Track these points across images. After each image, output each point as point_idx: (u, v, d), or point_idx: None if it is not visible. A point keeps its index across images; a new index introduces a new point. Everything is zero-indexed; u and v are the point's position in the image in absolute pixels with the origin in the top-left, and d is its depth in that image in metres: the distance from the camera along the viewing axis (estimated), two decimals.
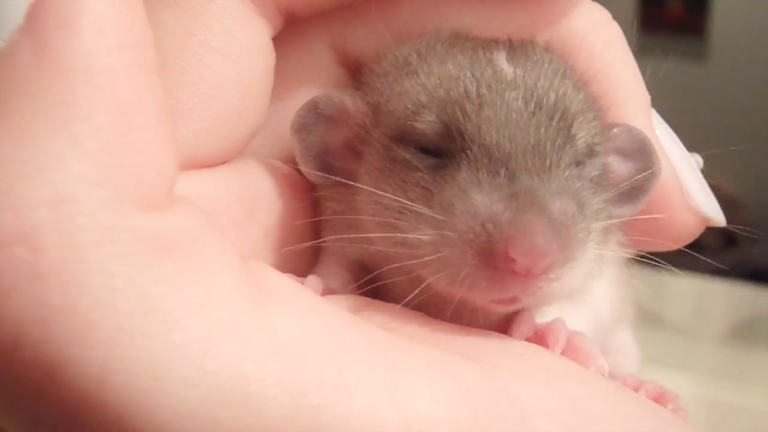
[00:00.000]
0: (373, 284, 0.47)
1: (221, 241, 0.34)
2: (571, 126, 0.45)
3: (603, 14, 0.50)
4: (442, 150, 0.45)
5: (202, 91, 0.43)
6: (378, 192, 0.45)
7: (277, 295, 0.34)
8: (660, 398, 0.52)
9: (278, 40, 0.47)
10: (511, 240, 0.40)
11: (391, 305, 0.43)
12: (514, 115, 0.44)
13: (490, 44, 0.48)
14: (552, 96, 0.46)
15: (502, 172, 0.43)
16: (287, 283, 0.36)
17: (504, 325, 0.45)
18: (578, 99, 0.47)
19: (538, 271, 0.40)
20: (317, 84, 0.51)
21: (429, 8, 0.49)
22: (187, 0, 0.44)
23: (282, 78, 0.48)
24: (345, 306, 0.41)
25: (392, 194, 0.45)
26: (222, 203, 0.44)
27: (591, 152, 0.46)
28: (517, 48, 0.48)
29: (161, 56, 0.36)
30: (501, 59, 0.47)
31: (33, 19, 0.32)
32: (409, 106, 0.46)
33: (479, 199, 0.42)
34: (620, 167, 0.49)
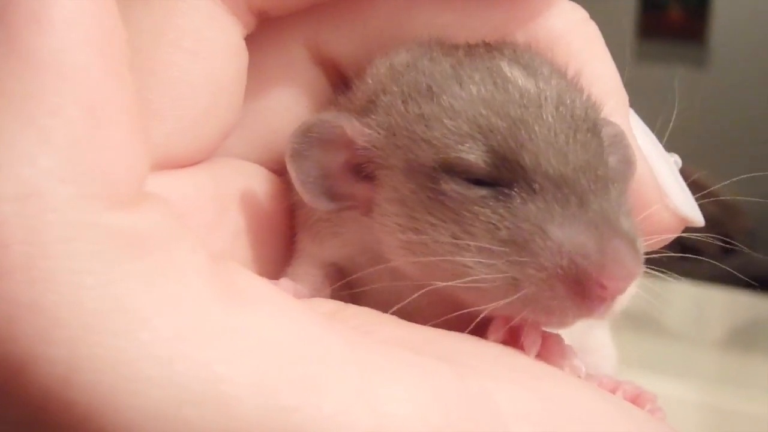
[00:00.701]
0: (351, 288, 0.47)
1: (192, 241, 0.34)
2: (602, 136, 0.46)
3: (580, 14, 0.50)
4: (495, 180, 0.44)
5: (173, 91, 0.43)
6: (419, 223, 0.45)
7: (248, 296, 0.34)
8: (637, 399, 0.51)
9: (252, 40, 0.47)
10: (606, 269, 0.41)
11: (366, 309, 0.43)
12: (562, 136, 0.44)
13: (490, 55, 0.47)
14: (580, 107, 0.46)
15: (572, 200, 0.43)
16: (258, 283, 0.36)
17: (481, 328, 0.44)
18: (593, 103, 0.47)
19: (623, 291, 0.42)
20: (292, 83, 0.50)
21: (405, 8, 0.49)
22: (157, 0, 0.43)
23: (257, 77, 0.48)
24: (320, 309, 0.40)
25: (443, 227, 0.44)
26: (193, 203, 0.44)
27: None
28: (515, 55, 0.48)
29: (132, 57, 0.35)
30: (516, 73, 0.46)
31: (4, 13, 0.32)
32: (449, 135, 0.44)
33: (559, 233, 0.42)
34: None
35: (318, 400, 0.32)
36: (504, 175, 0.43)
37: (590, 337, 0.59)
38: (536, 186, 0.43)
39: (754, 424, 1.45)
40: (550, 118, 0.44)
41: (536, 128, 0.44)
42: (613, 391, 0.51)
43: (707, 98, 3.22)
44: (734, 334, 1.81)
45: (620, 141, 0.48)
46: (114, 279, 0.30)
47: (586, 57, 0.49)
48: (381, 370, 0.34)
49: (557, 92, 0.45)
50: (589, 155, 0.44)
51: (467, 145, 0.44)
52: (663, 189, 0.49)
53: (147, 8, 0.43)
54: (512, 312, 0.42)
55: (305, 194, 0.46)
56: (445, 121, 0.44)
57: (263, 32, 0.47)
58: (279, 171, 0.50)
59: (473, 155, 0.44)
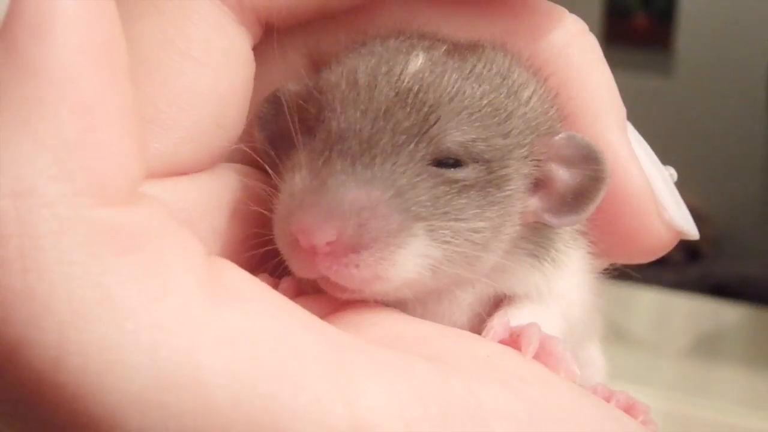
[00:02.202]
0: None
1: (185, 239, 0.36)
2: (433, 122, 0.45)
3: (579, 26, 0.50)
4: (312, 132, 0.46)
5: (180, 100, 0.43)
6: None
7: (236, 292, 0.36)
8: (630, 409, 0.51)
9: (254, 48, 0.48)
10: (292, 216, 0.43)
11: (366, 304, 0.44)
12: (373, 105, 0.45)
13: (425, 42, 0.48)
14: (420, 89, 0.46)
15: (325, 154, 0.44)
16: (250, 282, 0.37)
17: (479, 327, 0.46)
18: (467, 97, 0.46)
19: (321, 249, 0.42)
20: None
21: (405, 19, 0.50)
22: (167, 9, 0.44)
23: (257, 85, 0.48)
24: (318, 308, 0.42)
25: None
26: (199, 210, 0.45)
27: (469, 155, 0.46)
28: (452, 49, 0.48)
29: (141, 65, 0.39)
30: (416, 55, 0.47)
31: (6, 24, 0.34)
32: (305, 91, 0.48)
33: (296, 180, 0.44)
34: (564, 175, 0.48)
35: (294, 391, 0.33)
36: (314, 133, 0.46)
37: (583, 350, 0.58)
38: (316, 139, 0.45)
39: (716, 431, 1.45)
40: (379, 90, 0.45)
41: (359, 93, 0.46)
42: (607, 400, 0.51)
43: (672, 105, 3.26)
44: (697, 341, 1.82)
45: (588, 155, 0.47)
46: (102, 270, 0.33)
47: (584, 69, 0.49)
48: (359, 366, 0.35)
49: (422, 75, 0.46)
50: (382, 127, 0.45)
51: (309, 99, 0.47)
52: (659, 201, 0.49)
53: (157, 17, 0.44)
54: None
55: (263, 157, 0.48)
56: (320, 84, 0.48)
57: (265, 41, 0.48)
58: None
59: (308, 107, 0.47)
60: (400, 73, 0.46)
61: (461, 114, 0.46)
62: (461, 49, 0.48)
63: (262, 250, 0.45)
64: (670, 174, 0.51)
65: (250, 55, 0.47)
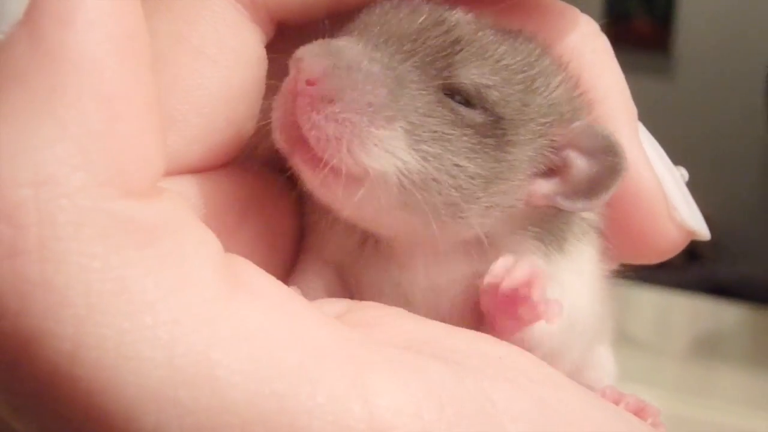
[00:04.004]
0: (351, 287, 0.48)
1: (203, 234, 0.36)
2: (456, 51, 0.45)
3: (593, 27, 0.50)
4: None
5: (193, 98, 0.43)
6: None
7: (253, 289, 0.35)
8: (640, 412, 0.51)
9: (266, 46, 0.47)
10: (294, 55, 0.42)
11: (376, 305, 0.43)
12: (408, 19, 0.45)
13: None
14: (457, 25, 0.46)
15: (344, 35, 0.45)
16: (266, 279, 0.37)
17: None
18: (495, 50, 0.47)
19: (301, 85, 0.42)
20: None
21: None
22: (181, 6, 0.44)
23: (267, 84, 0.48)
24: (330, 309, 0.42)
25: None
26: (213, 208, 0.45)
27: (480, 99, 0.46)
28: (493, 24, 0.48)
29: (154, 62, 0.37)
30: (459, 9, 0.47)
31: (31, 12, 0.34)
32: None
33: (303, 49, 0.43)
34: (581, 164, 0.48)
35: (312, 389, 0.33)
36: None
37: (592, 353, 0.58)
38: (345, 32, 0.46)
39: None
40: (416, 14, 0.46)
41: (389, 9, 0.46)
42: (617, 403, 0.51)
43: (672, 107, 3.26)
44: (698, 341, 1.82)
45: (607, 147, 0.47)
46: (120, 263, 0.32)
47: (596, 70, 0.49)
48: (376, 366, 0.35)
49: (458, 23, 0.46)
50: (405, 31, 0.45)
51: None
52: (670, 202, 0.49)
53: (171, 14, 0.44)
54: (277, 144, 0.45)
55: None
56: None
57: (275, 39, 0.48)
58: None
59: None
60: (442, 12, 0.46)
61: (486, 60, 0.46)
62: (501, 29, 0.48)
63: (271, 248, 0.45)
64: (681, 174, 0.51)
65: (263, 53, 0.46)
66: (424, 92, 0.44)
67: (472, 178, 0.45)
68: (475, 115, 0.45)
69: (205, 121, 0.44)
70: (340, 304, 0.44)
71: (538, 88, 0.47)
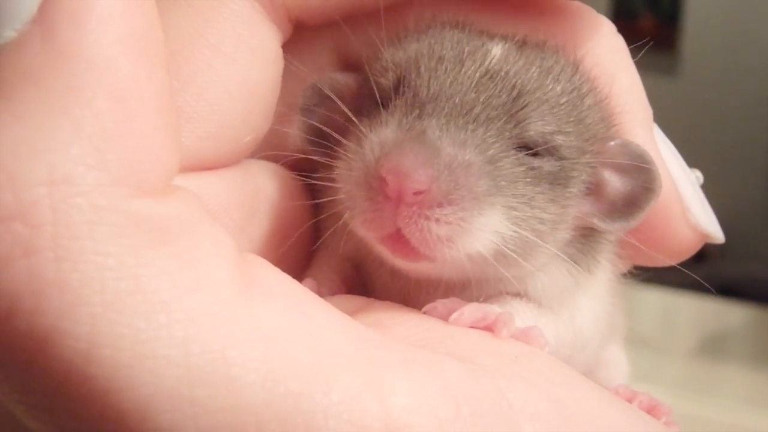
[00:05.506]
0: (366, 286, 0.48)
1: (217, 233, 0.36)
2: (521, 106, 0.45)
3: (608, 27, 0.50)
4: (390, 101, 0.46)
5: (209, 95, 0.43)
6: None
7: (267, 288, 0.35)
8: (653, 410, 0.52)
9: (284, 45, 0.48)
10: (384, 158, 0.41)
11: (390, 304, 0.44)
12: (462, 77, 0.45)
13: (496, 36, 0.48)
14: (509, 73, 0.46)
15: (415, 112, 0.44)
16: (280, 278, 0.37)
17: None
18: (549, 91, 0.47)
19: (408, 197, 0.41)
20: None
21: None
22: (198, 3, 0.44)
23: (286, 81, 0.48)
24: (345, 306, 0.41)
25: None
26: (224, 205, 0.45)
27: (546, 146, 0.46)
28: (521, 43, 0.48)
29: (171, 59, 0.38)
30: (494, 46, 0.47)
31: (44, 10, 0.34)
32: (378, 68, 0.48)
33: (374, 136, 0.43)
34: (616, 182, 0.48)
35: (327, 389, 0.33)
36: (395, 97, 0.46)
37: (605, 350, 0.58)
38: (400, 100, 0.45)
39: (722, 431, 1.45)
40: (468, 65, 0.45)
41: (445, 66, 0.45)
42: (630, 401, 0.51)
43: (678, 106, 3.25)
44: (703, 341, 1.82)
45: (641, 165, 0.47)
46: (136, 262, 0.32)
47: (612, 70, 0.49)
48: (391, 365, 0.35)
49: (508, 63, 0.46)
50: (475, 97, 0.44)
51: (384, 73, 0.47)
52: (686, 204, 0.49)
53: (188, 11, 0.44)
54: (355, 227, 0.44)
55: (307, 146, 0.48)
56: (384, 59, 0.48)
57: (294, 38, 0.48)
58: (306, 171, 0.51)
59: (383, 79, 0.47)
60: (486, 54, 0.46)
61: (544, 105, 0.46)
62: (527, 45, 0.48)
63: (285, 247, 0.45)
64: (696, 176, 0.51)
65: (280, 52, 0.47)
66: (506, 158, 0.44)
67: (548, 224, 0.45)
68: (545, 164, 0.45)
69: (219, 118, 0.44)
70: (356, 301, 0.44)
71: (584, 119, 0.48)
